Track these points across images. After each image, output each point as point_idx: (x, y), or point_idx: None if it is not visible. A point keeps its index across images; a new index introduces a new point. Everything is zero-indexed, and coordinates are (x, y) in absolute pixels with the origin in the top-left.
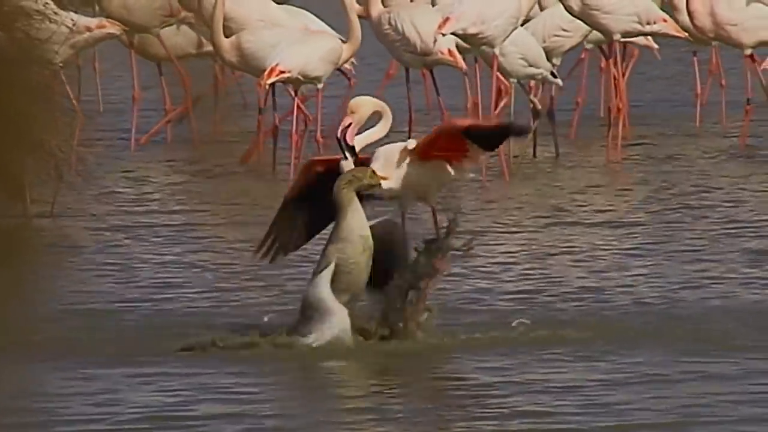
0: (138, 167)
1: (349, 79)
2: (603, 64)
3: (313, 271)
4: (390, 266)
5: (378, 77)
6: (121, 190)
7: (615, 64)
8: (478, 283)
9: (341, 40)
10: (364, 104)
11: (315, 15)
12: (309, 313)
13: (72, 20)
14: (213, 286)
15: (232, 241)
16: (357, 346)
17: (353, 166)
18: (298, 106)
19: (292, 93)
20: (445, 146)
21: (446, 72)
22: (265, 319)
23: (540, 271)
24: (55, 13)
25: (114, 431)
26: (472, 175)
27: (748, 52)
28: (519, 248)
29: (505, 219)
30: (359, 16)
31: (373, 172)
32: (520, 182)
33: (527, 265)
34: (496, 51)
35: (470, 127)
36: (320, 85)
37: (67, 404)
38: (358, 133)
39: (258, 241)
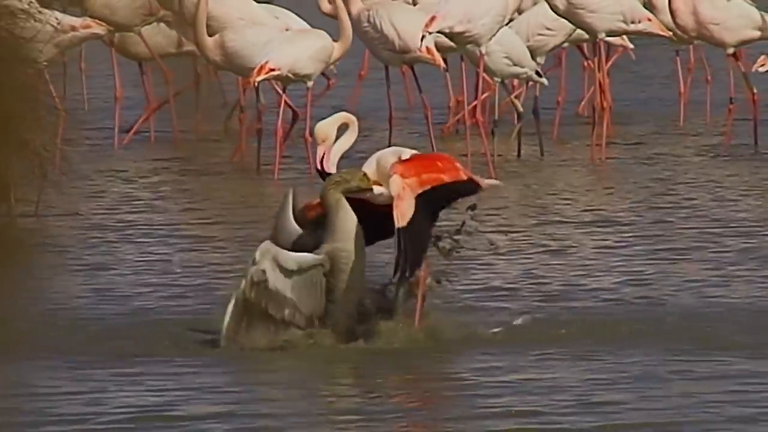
0: (123, 166)
1: (328, 79)
2: (586, 63)
3: None
4: None
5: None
6: (106, 189)
7: (599, 63)
8: (467, 283)
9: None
10: (328, 126)
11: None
12: None
13: (56, 19)
14: (200, 285)
15: (220, 239)
16: (348, 346)
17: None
18: (285, 101)
19: (280, 90)
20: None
21: (425, 69)
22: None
23: (529, 271)
24: (40, 12)
25: (102, 431)
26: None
27: (731, 51)
28: (507, 248)
29: (492, 219)
30: (332, 16)
31: (365, 175)
32: (507, 182)
33: (516, 265)
34: (483, 50)
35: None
36: (310, 84)
37: (55, 404)
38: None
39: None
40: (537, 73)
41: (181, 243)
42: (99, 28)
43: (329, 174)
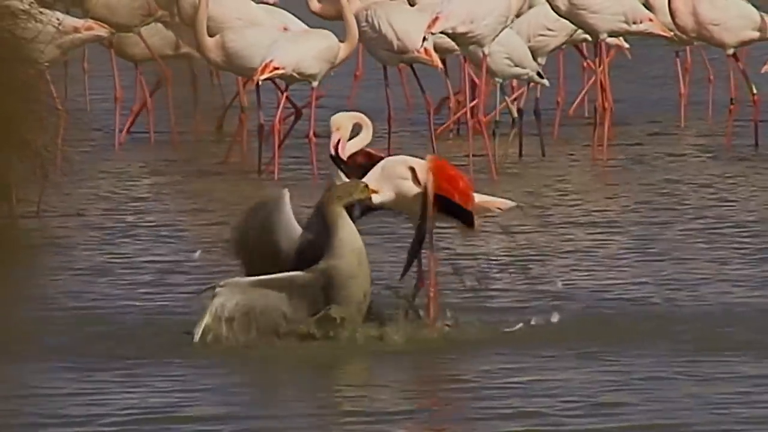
0: (124, 167)
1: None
2: (585, 64)
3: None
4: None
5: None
6: (108, 189)
7: (600, 63)
8: (471, 283)
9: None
10: (345, 119)
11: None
12: None
13: (58, 20)
14: (202, 286)
15: (221, 240)
16: (349, 347)
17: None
18: (287, 98)
19: (282, 89)
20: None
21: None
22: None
23: (533, 272)
24: (41, 13)
25: None
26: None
27: (731, 51)
28: (511, 248)
29: (494, 219)
30: (321, 15)
31: (365, 185)
32: (508, 182)
33: (517, 266)
34: (486, 50)
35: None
36: (315, 84)
37: (58, 405)
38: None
39: None
40: (538, 74)
41: (184, 244)
42: (102, 30)
43: (344, 161)
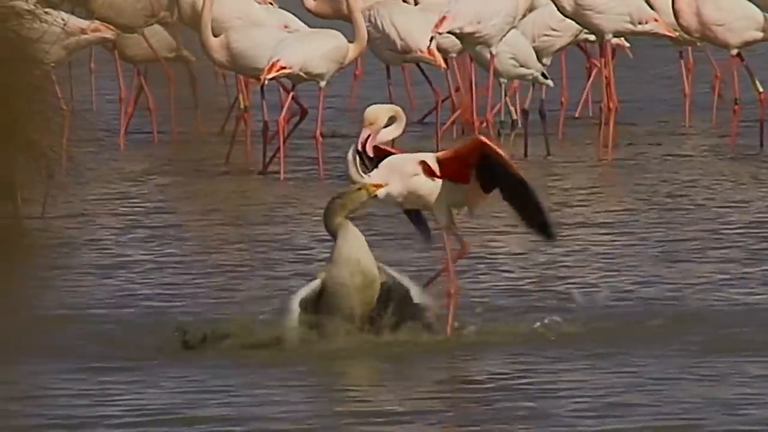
0: (129, 167)
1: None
2: (588, 64)
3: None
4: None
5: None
6: (113, 189)
7: (605, 63)
8: (478, 284)
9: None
10: (381, 113)
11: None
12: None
13: (63, 20)
14: (208, 286)
15: (227, 240)
16: (358, 348)
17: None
18: (293, 97)
19: (287, 88)
20: (455, 168)
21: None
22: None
23: (539, 272)
24: (46, 13)
25: None
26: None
27: (735, 51)
28: (516, 249)
29: (502, 219)
30: (323, 16)
31: (366, 188)
32: None
33: (526, 266)
34: (493, 51)
35: (491, 155)
36: (323, 83)
37: (62, 406)
38: None
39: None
40: (543, 74)
41: (190, 244)
42: (108, 32)
43: (370, 157)
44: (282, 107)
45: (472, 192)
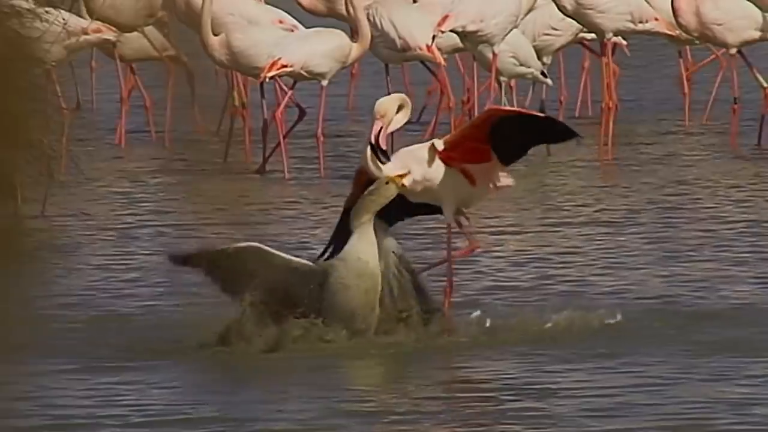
0: (130, 166)
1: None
2: (586, 64)
3: None
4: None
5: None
6: (113, 189)
7: (606, 62)
8: (479, 283)
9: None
10: (391, 104)
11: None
12: None
13: (63, 19)
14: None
15: (228, 240)
16: (358, 347)
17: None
18: (291, 97)
19: (286, 87)
20: (470, 147)
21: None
22: None
23: (539, 272)
24: (47, 12)
25: None
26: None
27: (734, 51)
28: (518, 248)
29: (501, 219)
30: (318, 13)
31: (393, 180)
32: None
33: (526, 266)
34: (495, 49)
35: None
36: (324, 82)
37: (63, 406)
38: None
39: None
40: (542, 73)
41: (189, 244)
42: (109, 33)
43: (383, 152)
44: (279, 104)
45: (492, 170)
